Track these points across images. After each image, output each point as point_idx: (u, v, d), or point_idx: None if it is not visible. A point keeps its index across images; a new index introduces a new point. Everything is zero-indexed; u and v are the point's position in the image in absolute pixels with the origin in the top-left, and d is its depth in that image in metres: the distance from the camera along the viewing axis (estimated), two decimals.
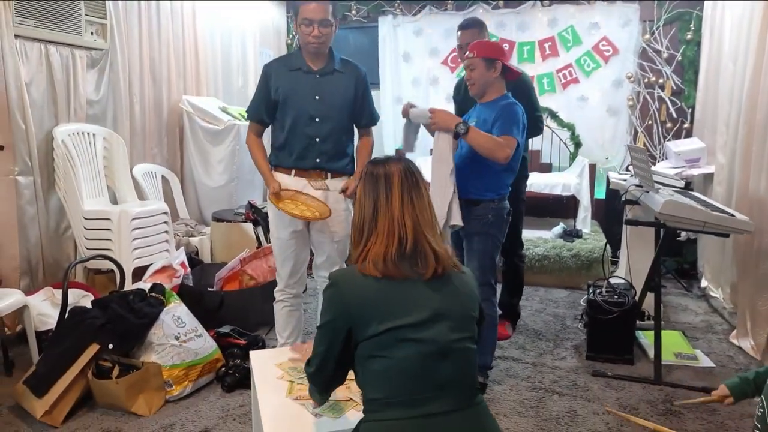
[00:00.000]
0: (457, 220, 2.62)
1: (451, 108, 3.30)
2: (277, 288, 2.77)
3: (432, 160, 2.68)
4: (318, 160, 2.59)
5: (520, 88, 3.03)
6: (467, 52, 2.72)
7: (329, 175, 2.64)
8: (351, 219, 2.67)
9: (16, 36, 3.14)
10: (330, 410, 1.74)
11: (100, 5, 3.65)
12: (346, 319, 1.40)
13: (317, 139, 2.57)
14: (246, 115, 2.81)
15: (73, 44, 3.51)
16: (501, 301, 3.49)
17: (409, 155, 2.29)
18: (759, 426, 1.55)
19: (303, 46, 2.57)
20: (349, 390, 1.77)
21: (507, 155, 2.57)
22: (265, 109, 2.61)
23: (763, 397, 1.54)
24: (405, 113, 2.81)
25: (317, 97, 2.55)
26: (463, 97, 3.28)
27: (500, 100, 2.71)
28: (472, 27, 3.26)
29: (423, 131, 2.84)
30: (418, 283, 1.41)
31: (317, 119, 2.56)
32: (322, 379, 1.51)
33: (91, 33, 3.63)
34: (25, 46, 3.22)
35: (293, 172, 2.61)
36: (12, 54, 3.10)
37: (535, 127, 3.20)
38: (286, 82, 2.55)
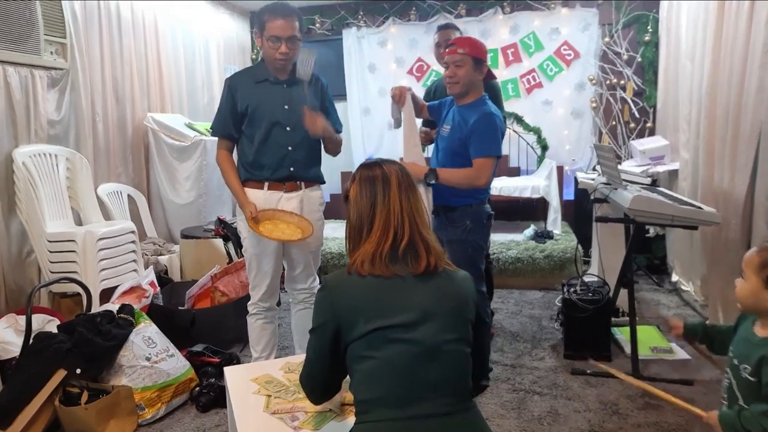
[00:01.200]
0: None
1: None
2: (250, 302, 2.72)
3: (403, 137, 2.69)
4: (292, 169, 2.56)
5: (490, 92, 2.99)
6: (457, 48, 2.58)
7: (303, 185, 2.61)
8: (327, 229, 2.69)
9: None
10: (309, 422, 1.70)
11: (59, 24, 3.58)
12: (334, 321, 1.39)
13: (290, 148, 2.54)
14: (212, 131, 2.76)
15: (33, 64, 3.42)
16: None
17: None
18: (725, 396, 1.65)
19: (269, 61, 2.54)
20: (329, 401, 1.73)
21: (485, 181, 2.58)
22: (233, 123, 2.57)
23: (728, 368, 1.63)
24: (402, 101, 2.70)
25: (286, 107, 2.53)
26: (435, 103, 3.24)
27: (480, 104, 2.64)
28: (450, 28, 3.30)
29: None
30: (408, 280, 1.40)
31: (288, 128, 2.53)
32: (313, 385, 1.51)
33: (51, 52, 3.54)
34: None
35: (266, 185, 2.56)
36: None
37: None
38: (254, 94, 2.52)
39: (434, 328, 1.36)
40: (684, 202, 2.96)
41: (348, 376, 1.47)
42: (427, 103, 2.98)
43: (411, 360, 1.33)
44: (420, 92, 5.46)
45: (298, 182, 2.60)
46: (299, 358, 2.11)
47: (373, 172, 1.52)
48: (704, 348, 1.94)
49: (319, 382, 1.50)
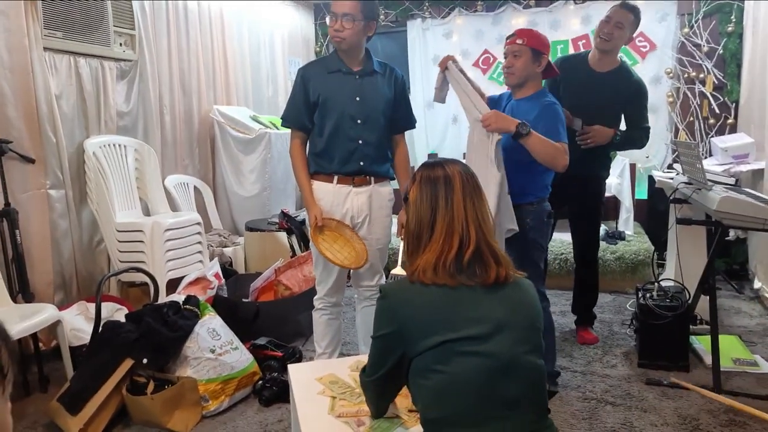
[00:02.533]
0: (512, 223, 2.49)
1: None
2: (316, 296, 2.69)
3: (471, 157, 2.53)
4: (362, 164, 2.50)
5: (638, 94, 3.09)
6: (516, 38, 2.52)
7: (372, 179, 2.55)
8: (395, 226, 2.63)
9: (45, 49, 3.13)
10: (376, 428, 1.63)
11: (129, 16, 3.64)
12: (397, 335, 1.31)
13: (360, 142, 2.49)
14: (278, 122, 2.74)
15: (102, 56, 3.50)
16: (576, 304, 3.50)
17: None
18: None
19: (332, 42, 2.51)
20: (394, 407, 1.66)
21: (566, 163, 2.46)
22: (306, 113, 2.52)
23: None
24: (443, 66, 2.63)
25: (358, 99, 2.47)
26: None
27: (540, 96, 2.57)
28: (630, 11, 3.08)
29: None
30: (477, 291, 1.30)
31: (359, 121, 2.48)
32: (375, 388, 1.47)
33: (120, 44, 3.61)
34: (54, 59, 3.21)
35: (336, 178, 2.52)
36: (41, 67, 3.09)
37: (640, 140, 3.18)
38: (326, 84, 2.48)
39: (509, 340, 1.27)
40: None
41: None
42: (488, 95, 2.86)
43: (486, 375, 1.24)
44: (486, 85, 5.37)
45: (367, 177, 2.53)
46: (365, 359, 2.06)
47: (435, 173, 1.42)
48: None
49: (381, 387, 1.45)
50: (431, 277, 1.31)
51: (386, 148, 2.59)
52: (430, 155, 5.46)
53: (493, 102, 2.82)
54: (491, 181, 2.42)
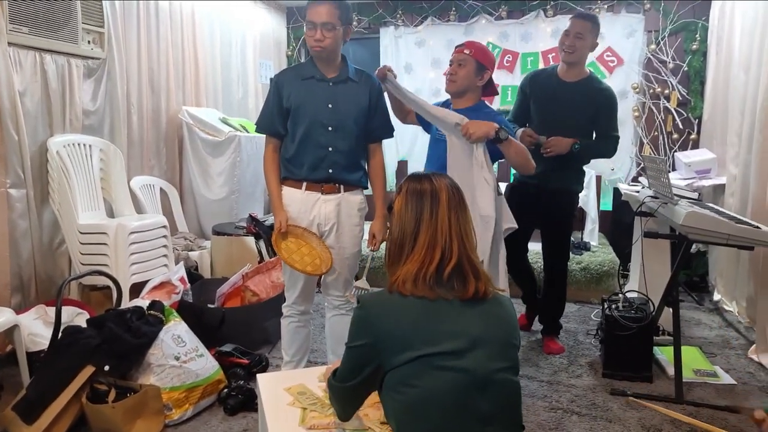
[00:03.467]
0: (511, 222, 2.55)
1: None
2: (285, 303, 2.65)
3: (455, 165, 2.50)
4: (331, 171, 2.48)
5: (607, 103, 3.15)
6: (464, 48, 2.63)
7: (342, 188, 2.53)
8: (362, 236, 2.61)
9: (10, 44, 3.02)
10: None
11: (98, 14, 3.55)
12: (372, 347, 1.30)
13: (330, 149, 2.46)
14: (248, 125, 2.71)
15: (69, 53, 3.39)
16: (542, 314, 3.54)
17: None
18: None
19: (310, 51, 2.48)
20: (367, 418, 1.64)
21: (534, 166, 2.59)
22: (279, 119, 2.50)
23: None
24: (381, 76, 2.60)
25: (330, 106, 2.45)
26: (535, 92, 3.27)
27: (481, 107, 2.66)
28: (587, 20, 3.11)
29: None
30: (455, 304, 1.30)
31: (330, 128, 2.45)
32: (344, 394, 1.44)
33: (88, 42, 3.51)
34: (19, 55, 3.10)
35: (304, 185, 2.49)
36: (5, 62, 2.98)
37: (606, 149, 3.26)
38: (299, 91, 2.45)
39: (484, 355, 1.26)
40: (739, 220, 2.81)
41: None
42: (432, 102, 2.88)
43: (460, 391, 1.23)
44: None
45: (336, 185, 2.51)
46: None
47: (422, 185, 1.42)
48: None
49: (350, 393, 1.43)
50: (410, 289, 1.31)
51: (358, 156, 2.57)
52: (400, 162, 5.46)
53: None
54: (485, 184, 2.46)
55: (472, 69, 2.60)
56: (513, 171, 3.27)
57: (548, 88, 3.21)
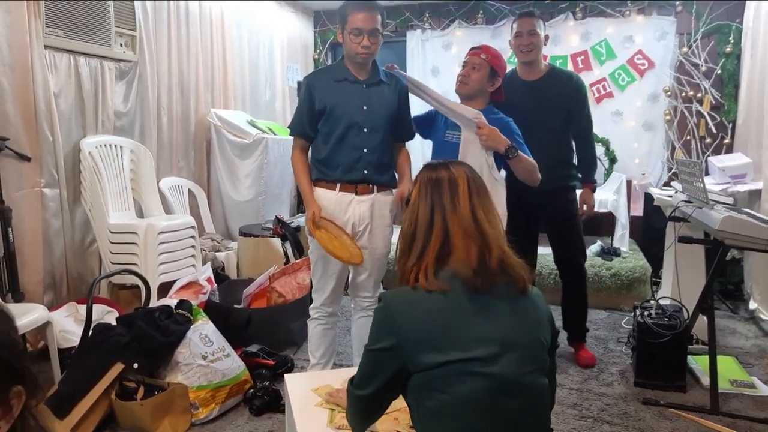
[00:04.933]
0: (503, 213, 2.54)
1: None
2: (312, 305, 2.64)
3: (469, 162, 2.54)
4: (366, 172, 2.48)
5: (575, 86, 3.09)
6: (480, 53, 2.63)
7: (375, 188, 2.53)
8: (393, 237, 2.59)
9: (46, 47, 3.09)
10: None
11: (130, 17, 3.61)
12: (396, 348, 1.23)
13: (365, 150, 2.47)
14: (276, 127, 2.72)
15: (103, 56, 3.46)
16: (566, 321, 3.38)
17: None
18: None
19: (350, 56, 2.46)
20: (397, 422, 1.62)
21: (540, 177, 2.62)
22: (308, 122, 2.51)
23: None
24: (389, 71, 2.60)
25: (365, 107, 2.46)
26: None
27: (491, 112, 2.65)
28: (533, 16, 3.06)
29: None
30: (487, 302, 1.24)
31: (365, 129, 2.46)
32: (361, 403, 1.33)
33: (121, 45, 3.57)
34: (54, 57, 3.17)
35: (339, 186, 2.49)
36: (41, 65, 3.05)
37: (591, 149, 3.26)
38: (333, 93, 2.46)
39: (515, 360, 1.21)
40: None
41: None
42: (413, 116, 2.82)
43: (489, 396, 1.19)
44: None
45: (370, 185, 2.51)
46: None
47: (438, 174, 1.35)
48: None
49: (369, 401, 1.32)
50: (435, 282, 1.24)
51: (390, 157, 2.58)
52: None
53: (420, 120, 2.84)
54: (495, 182, 2.51)
55: (486, 74, 2.61)
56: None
57: (514, 91, 2.99)
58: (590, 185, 3.18)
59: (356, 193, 2.50)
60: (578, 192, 3.22)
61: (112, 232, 3.30)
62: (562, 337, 3.38)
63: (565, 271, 3.30)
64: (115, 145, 3.52)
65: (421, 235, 1.31)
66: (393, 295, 1.30)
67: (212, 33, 4.53)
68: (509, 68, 3.07)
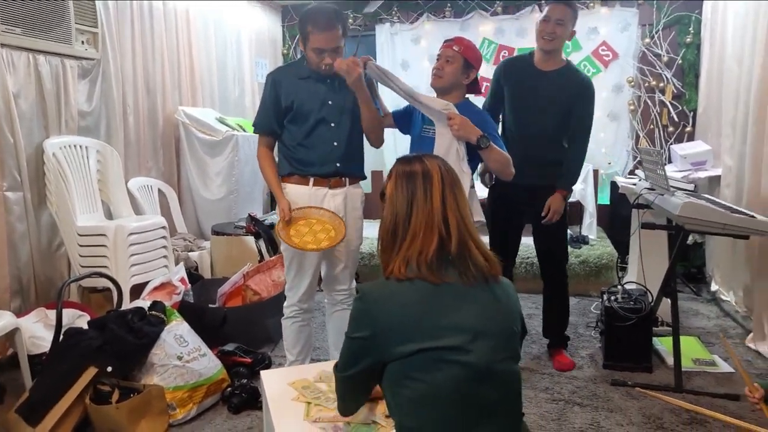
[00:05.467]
0: (479, 215, 2.56)
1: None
2: (287, 303, 2.64)
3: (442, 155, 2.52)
4: (338, 165, 2.51)
5: (586, 93, 2.98)
6: (453, 45, 2.58)
7: (347, 181, 2.56)
8: (367, 229, 2.62)
9: (3, 45, 3.00)
10: None
11: (91, 14, 3.53)
12: (372, 339, 1.27)
13: (335, 144, 2.49)
14: (246, 124, 2.71)
15: (63, 53, 3.37)
16: (547, 328, 3.28)
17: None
18: None
19: (311, 63, 2.48)
20: (371, 412, 1.65)
21: (513, 171, 2.59)
22: (275, 118, 2.51)
23: None
24: (363, 64, 2.50)
25: (330, 102, 2.48)
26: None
27: (468, 105, 2.63)
28: (569, 6, 2.89)
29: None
30: (460, 290, 1.27)
31: (332, 124, 2.49)
32: (346, 384, 1.39)
33: (82, 42, 3.50)
34: (12, 56, 3.08)
35: (312, 180, 2.51)
36: None
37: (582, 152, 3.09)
38: (299, 90, 2.47)
39: (487, 347, 1.25)
40: (734, 210, 2.83)
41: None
42: (391, 111, 2.85)
43: (463, 383, 1.22)
44: None
45: (342, 178, 2.54)
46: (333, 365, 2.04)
47: (412, 167, 1.38)
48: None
49: (354, 385, 1.39)
50: (406, 273, 1.27)
51: (359, 148, 2.61)
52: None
53: (399, 115, 2.83)
54: (464, 174, 2.47)
55: (459, 66, 2.56)
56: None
57: (524, 77, 3.01)
58: (564, 192, 3.00)
59: (329, 187, 2.52)
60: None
61: (80, 235, 3.25)
62: (543, 342, 3.39)
63: (549, 282, 3.22)
64: (80, 146, 3.45)
65: (400, 230, 1.34)
66: (369, 287, 1.33)
67: (178, 29, 4.46)
68: (526, 52, 3.07)
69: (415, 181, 1.36)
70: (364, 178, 2.67)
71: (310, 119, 2.47)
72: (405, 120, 2.81)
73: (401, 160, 1.44)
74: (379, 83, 2.69)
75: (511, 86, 3.07)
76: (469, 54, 2.59)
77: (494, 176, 3.05)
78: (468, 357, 1.22)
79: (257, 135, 2.61)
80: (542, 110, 2.96)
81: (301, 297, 2.60)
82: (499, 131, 2.91)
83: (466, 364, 1.22)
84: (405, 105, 2.81)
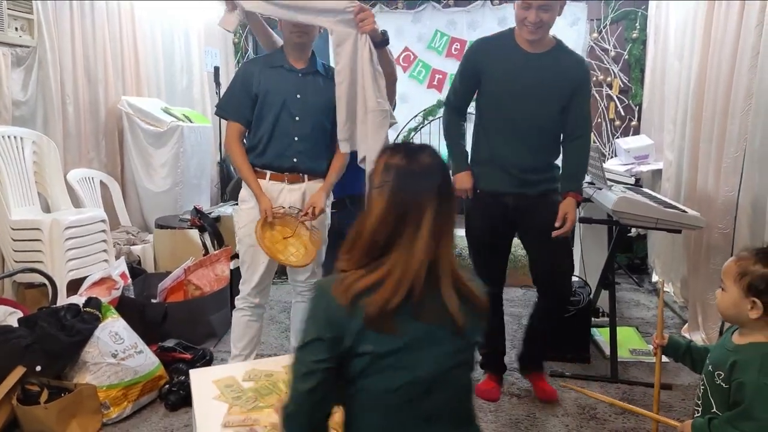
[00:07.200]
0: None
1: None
2: (239, 296, 2.61)
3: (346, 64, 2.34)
4: (295, 160, 2.48)
5: (586, 78, 2.57)
6: None
7: (306, 177, 2.53)
8: (329, 225, 2.59)
9: None
10: None
11: None
12: (334, 332, 1.14)
13: (296, 138, 2.46)
14: (192, 115, 2.64)
15: None
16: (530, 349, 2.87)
17: None
18: (699, 403, 1.62)
19: (285, 40, 2.47)
20: None
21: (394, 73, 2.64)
22: (248, 105, 2.46)
23: (703, 375, 1.62)
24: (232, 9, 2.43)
25: (299, 96, 2.45)
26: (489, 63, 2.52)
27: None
28: None
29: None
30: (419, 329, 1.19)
31: (297, 118, 2.45)
32: (302, 422, 1.18)
33: (16, 29, 3.37)
34: None
35: (268, 174, 2.48)
36: None
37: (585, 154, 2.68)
38: (267, 79, 2.44)
39: (439, 355, 1.19)
40: (668, 204, 2.92)
41: None
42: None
43: (410, 390, 1.16)
44: (407, 83, 5.40)
45: (301, 174, 2.51)
46: (265, 366, 2.02)
47: (414, 165, 1.21)
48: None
49: (311, 416, 1.18)
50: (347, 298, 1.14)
51: (323, 148, 2.55)
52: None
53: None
54: (379, 76, 2.36)
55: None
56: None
57: (510, 57, 2.48)
58: (577, 195, 2.55)
59: (286, 182, 2.49)
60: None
61: (13, 229, 3.15)
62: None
63: (552, 286, 2.67)
64: (15, 137, 3.33)
65: (373, 254, 1.19)
66: (326, 281, 1.22)
67: (121, 17, 4.32)
68: (506, 29, 2.58)
69: (407, 206, 1.18)
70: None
71: (274, 109, 2.43)
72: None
73: (398, 154, 1.23)
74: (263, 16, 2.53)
75: (493, 68, 2.52)
76: None
77: (477, 188, 2.62)
78: (417, 362, 1.17)
79: (207, 125, 2.55)
80: (532, 95, 2.46)
81: (252, 291, 2.56)
82: (470, 126, 2.68)
83: (412, 369, 1.16)
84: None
